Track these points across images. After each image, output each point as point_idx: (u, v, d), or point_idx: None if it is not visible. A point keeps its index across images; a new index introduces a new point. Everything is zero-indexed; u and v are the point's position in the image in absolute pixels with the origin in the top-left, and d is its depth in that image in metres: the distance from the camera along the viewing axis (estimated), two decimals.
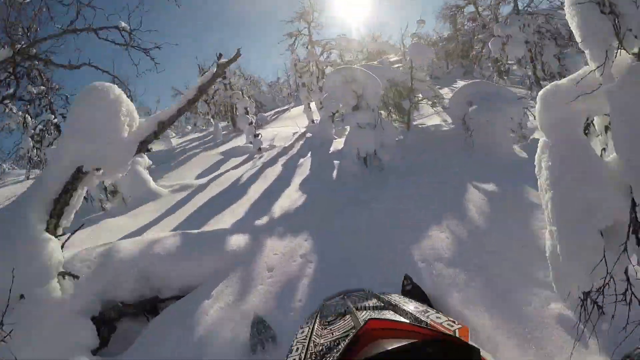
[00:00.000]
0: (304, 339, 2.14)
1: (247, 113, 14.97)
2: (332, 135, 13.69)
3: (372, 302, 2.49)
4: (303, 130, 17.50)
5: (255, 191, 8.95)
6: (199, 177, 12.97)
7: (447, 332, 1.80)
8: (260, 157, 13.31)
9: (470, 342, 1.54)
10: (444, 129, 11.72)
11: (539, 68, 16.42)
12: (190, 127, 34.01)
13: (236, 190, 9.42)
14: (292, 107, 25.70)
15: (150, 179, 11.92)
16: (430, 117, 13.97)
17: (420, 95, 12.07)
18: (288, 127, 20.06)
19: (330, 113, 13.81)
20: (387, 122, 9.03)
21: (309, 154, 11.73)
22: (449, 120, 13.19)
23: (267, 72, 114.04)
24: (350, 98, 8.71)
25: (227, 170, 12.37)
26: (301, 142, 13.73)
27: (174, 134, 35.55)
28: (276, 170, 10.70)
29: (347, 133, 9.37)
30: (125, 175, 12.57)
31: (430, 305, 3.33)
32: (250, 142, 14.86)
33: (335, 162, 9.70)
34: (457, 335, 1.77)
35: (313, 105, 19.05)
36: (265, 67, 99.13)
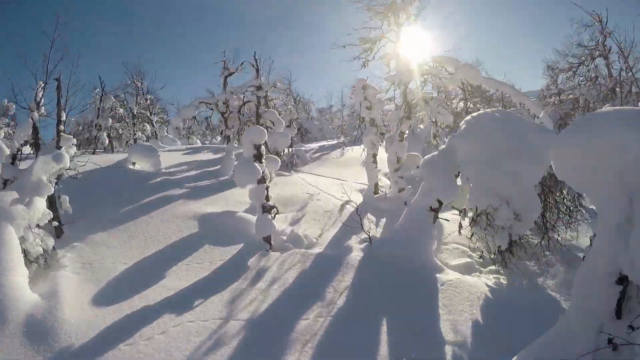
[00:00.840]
0: None
1: (257, 156, 7.33)
2: (431, 257, 6.04)
3: None
4: (358, 200, 9.96)
5: None
6: (114, 286, 5.76)
7: None
8: (256, 276, 5.76)
9: None
10: None
11: None
12: (219, 139, 27.01)
13: None
14: (344, 147, 17.97)
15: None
16: None
17: None
18: (333, 181, 12.53)
19: (437, 203, 6.23)
20: None
21: (383, 327, 4.15)
22: None
23: (318, 96, 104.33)
24: None
25: (166, 312, 4.93)
26: (357, 256, 6.09)
27: (197, 140, 28.77)
28: None
29: None
30: None
31: None
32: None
33: None
34: None
35: (383, 156, 11.47)
36: (317, 90, 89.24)
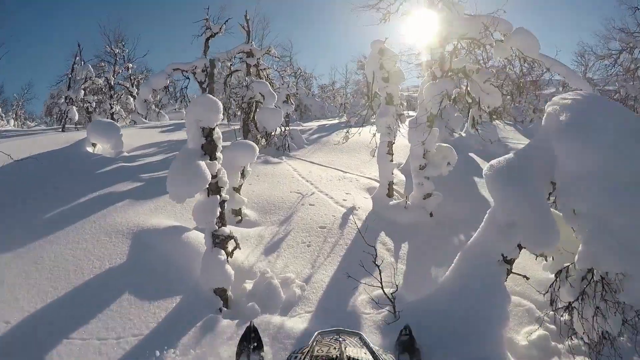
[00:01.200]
0: None
1: (208, 147, 4.54)
2: (503, 353, 3.27)
3: (362, 351, 2.19)
4: (366, 206, 7.28)
5: None
6: None
7: None
8: None
9: None
10: None
11: None
12: None
13: None
14: (349, 129, 14.39)
15: None
16: None
17: None
18: (333, 174, 9.72)
19: (517, 252, 3.39)
20: None
21: None
22: None
23: (320, 73, 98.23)
24: None
25: None
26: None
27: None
28: None
29: None
30: None
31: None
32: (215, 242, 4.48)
33: None
34: None
35: (398, 143, 8.68)
36: (318, 67, 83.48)
